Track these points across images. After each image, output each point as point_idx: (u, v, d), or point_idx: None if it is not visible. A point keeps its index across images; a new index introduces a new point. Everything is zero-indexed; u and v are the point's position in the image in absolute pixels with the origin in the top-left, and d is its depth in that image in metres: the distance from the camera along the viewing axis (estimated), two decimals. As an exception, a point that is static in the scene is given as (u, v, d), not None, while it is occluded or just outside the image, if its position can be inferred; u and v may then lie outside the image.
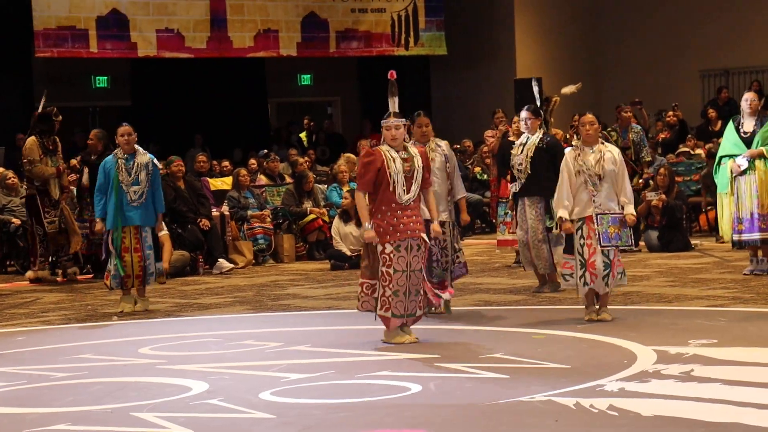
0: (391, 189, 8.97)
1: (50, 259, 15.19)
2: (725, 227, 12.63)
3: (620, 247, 9.81)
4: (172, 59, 20.93)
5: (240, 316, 11.37)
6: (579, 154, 9.79)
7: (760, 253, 12.53)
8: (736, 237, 12.48)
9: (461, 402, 6.94)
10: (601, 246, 9.63)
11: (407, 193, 8.99)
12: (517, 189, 11.88)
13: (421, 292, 9.05)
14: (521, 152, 11.78)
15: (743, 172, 12.33)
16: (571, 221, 9.76)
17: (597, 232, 9.63)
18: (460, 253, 10.77)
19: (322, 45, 22.15)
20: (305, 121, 24.26)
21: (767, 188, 12.29)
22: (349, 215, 15.87)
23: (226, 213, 16.47)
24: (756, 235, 12.37)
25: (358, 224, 15.82)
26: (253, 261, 16.37)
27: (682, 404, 6.55)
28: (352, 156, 19.40)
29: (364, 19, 22.44)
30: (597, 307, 9.80)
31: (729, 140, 12.59)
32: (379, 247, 8.97)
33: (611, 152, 9.82)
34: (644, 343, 8.47)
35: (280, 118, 25.46)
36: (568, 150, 10.05)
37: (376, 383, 7.55)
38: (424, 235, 9.03)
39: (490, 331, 9.63)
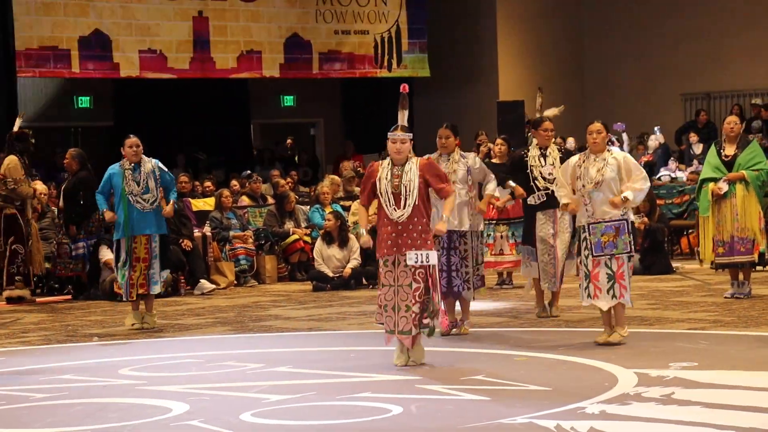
0: (381, 204, 8.99)
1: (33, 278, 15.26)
2: (707, 251, 12.65)
3: (617, 255, 9.50)
4: (154, 80, 20.93)
5: (221, 337, 11.34)
6: (584, 162, 9.69)
7: (741, 276, 12.57)
8: (717, 260, 12.54)
9: (442, 424, 6.92)
10: (593, 256, 9.59)
11: (397, 211, 8.95)
12: (542, 200, 11.35)
13: (414, 309, 8.87)
14: (546, 163, 11.42)
15: (724, 196, 12.37)
16: (575, 228, 9.73)
17: (589, 242, 9.59)
18: (481, 266, 10.71)
19: (305, 66, 22.18)
20: (288, 142, 24.25)
21: (747, 211, 12.34)
22: (332, 237, 15.86)
23: (208, 234, 16.44)
24: (735, 259, 12.41)
25: (341, 246, 15.83)
26: (235, 282, 16.35)
27: (662, 427, 6.55)
28: (336, 177, 19.43)
29: (347, 40, 22.48)
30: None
31: (710, 164, 12.63)
32: (379, 262, 9.02)
33: (616, 158, 9.63)
34: (625, 366, 8.47)
35: (263, 139, 25.46)
36: (573, 157, 9.99)
37: (357, 405, 7.53)
38: (412, 254, 8.86)
39: (472, 352, 9.62)
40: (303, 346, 10.61)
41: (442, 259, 10.44)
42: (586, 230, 9.62)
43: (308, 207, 17.90)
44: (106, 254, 15.19)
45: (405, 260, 8.88)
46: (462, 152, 10.78)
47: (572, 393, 7.58)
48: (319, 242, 16.06)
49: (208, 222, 16.78)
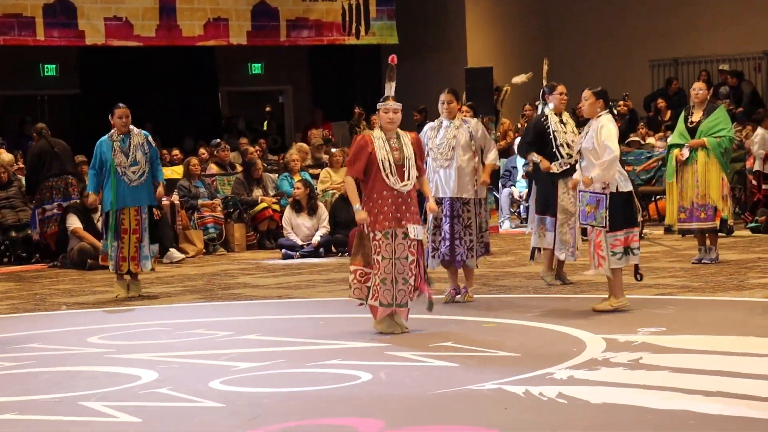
0: (383, 176, 8.85)
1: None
2: (672, 215, 12.72)
3: (596, 227, 9.48)
4: (121, 47, 20.77)
5: (190, 305, 11.33)
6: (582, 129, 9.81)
7: (708, 242, 12.64)
8: (678, 226, 12.66)
9: (411, 390, 6.95)
10: (580, 223, 9.70)
11: (401, 182, 8.88)
12: (565, 167, 10.95)
13: (411, 282, 8.93)
14: (567, 130, 11.10)
15: (686, 162, 12.43)
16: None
17: (578, 210, 9.71)
18: (485, 233, 10.63)
19: (273, 34, 22.04)
20: (267, 109, 24.11)
21: (708, 178, 12.40)
22: (300, 205, 15.84)
23: (177, 202, 16.39)
24: (694, 225, 12.48)
25: (310, 214, 15.81)
26: (204, 250, 16.31)
27: (630, 392, 6.58)
28: (303, 145, 19.37)
29: (315, 7, 22.36)
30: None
31: (677, 130, 12.70)
32: (371, 234, 8.90)
33: (593, 128, 9.53)
34: (593, 332, 8.52)
35: (230, 107, 25.35)
36: None
37: (326, 372, 7.55)
38: (411, 227, 8.87)
39: (441, 319, 9.63)
40: (272, 313, 10.61)
41: (445, 227, 10.44)
42: (578, 197, 9.72)
43: (277, 175, 17.85)
44: (74, 222, 15.14)
45: (403, 233, 8.87)
46: (464, 117, 10.67)
47: (541, 359, 7.62)
48: (288, 210, 16.03)
49: (176, 190, 16.71)
